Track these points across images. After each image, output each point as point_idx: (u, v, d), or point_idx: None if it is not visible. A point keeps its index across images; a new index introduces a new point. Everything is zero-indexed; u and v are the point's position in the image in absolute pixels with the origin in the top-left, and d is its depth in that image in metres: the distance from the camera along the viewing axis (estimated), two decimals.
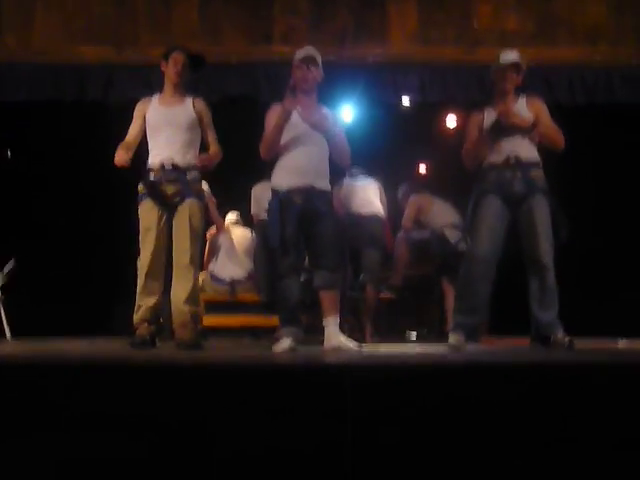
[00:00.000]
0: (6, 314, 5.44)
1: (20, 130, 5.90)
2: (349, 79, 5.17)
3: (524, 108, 3.89)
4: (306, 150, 3.79)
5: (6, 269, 5.51)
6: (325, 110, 3.95)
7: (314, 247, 3.81)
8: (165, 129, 3.92)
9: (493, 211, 3.73)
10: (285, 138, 3.80)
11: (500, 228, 3.73)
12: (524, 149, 3.80)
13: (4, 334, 5.36)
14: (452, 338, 3.72)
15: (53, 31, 5.18)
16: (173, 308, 3.87)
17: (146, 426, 2.09)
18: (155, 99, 4.04)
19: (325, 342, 3.74)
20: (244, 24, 5.16)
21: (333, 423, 2.02)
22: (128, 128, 4.06)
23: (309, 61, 3.84)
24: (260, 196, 5.21)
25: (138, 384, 2.19)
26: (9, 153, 4.55)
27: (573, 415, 2.10)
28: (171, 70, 3.99)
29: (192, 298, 3.84)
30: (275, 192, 3.82)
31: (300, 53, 3.88)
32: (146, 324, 3.84)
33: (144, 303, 3.85)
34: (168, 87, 4.03)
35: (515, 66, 3.87)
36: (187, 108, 3.98)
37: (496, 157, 3.80)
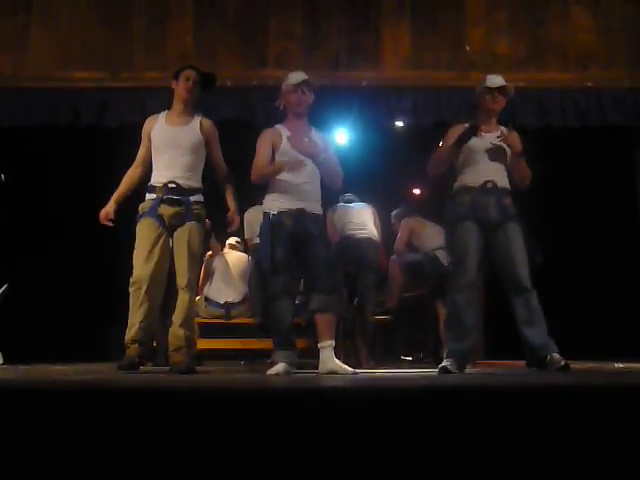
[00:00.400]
0: None
1: (15, 154, 5.90)
2: (343, 102, 5.20)
3: (503, 136, 3.88)
4: (296, 174, 3.78)
5: None
6: (316, 133, 3.95)
7: (308, 270, 3.79)
8: (168, 150, 3.88)
9: (472, 237, 3.72)
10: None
11: (479, 254, 3.74)
12: (500, 176, 3.82)
13: None
14: (445, 362, 3.70)
15: (47, 56, 5.20)
16: (170, 331, 3.83)
17: (136, 450, 2.05)
18: (162, 117, 3.98)
19: (320, 366, 3.70)
20: (239, 48, 5.20)
21: (326, 446, 2.00)
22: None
23: (304, 85, 3.85)
24: (252, 221, 5.21)
25: (129, 408, 2.17)
26: (3, 177, 4.53)
27: (571, 437, 2.08)
28: (182, 87, 3.93)
29: (187, 322, 3.81)
30: (266, 215, 3.82)
31: (294, 77, 3.87)
32: (136, 345, 3.77)
33: (136, 322, 3.77)
34: (177, 105, 3.97)
35: (501, 89, 3.88)
36: (193, 129, 3.93)
37: (472, 180, 3.80)
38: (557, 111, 5.23)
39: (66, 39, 5.21)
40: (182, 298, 3.81)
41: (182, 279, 3.81)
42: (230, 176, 4.04)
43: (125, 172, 4.03)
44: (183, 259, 3.81)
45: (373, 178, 6.31)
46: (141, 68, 5.16)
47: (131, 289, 3.80)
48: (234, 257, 5.93)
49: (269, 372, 3.63)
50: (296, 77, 3.87)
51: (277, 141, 3.82)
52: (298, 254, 3.77)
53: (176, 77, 3.96)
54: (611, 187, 5.98)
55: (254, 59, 5.21)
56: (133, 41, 5.20)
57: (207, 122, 3.98)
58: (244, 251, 5.96)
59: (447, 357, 3.72)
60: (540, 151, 4.66)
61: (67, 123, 5.19)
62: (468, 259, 3.69)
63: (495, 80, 3.89)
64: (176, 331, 3.79)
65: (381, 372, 4.15)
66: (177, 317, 3.80)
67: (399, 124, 5.62)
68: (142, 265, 3.78)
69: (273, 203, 3.80)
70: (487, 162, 3.80)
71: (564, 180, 6.17)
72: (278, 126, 3.91)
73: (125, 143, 4.11)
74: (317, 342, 3.77)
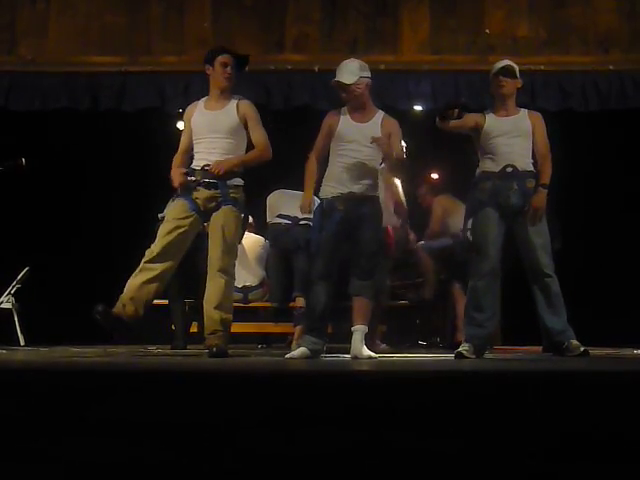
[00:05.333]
0: (20, 322, 5.47)
1: (36, 139, 5.94)
2: None
3: (525, 117, 3.86)
4: (350, 160, 3.77)
5: (20, 277, 5.54)
6: (379, 116, 3.90)
7: (352, 253, 3.80)
8: (207, 135, 3.84)
9: (492, 224, 3.71)
10: (333, 149, 3.83)
11: (500, 240, 3.74)
12: (521, 159, 3.77)
13: (18, 342, 5.39)
14: (462, 348, 3.70)
15: (66, 41, 5.23)
16: (205, 314, 3.80)
17: (159, 432, 2.08)
18: (201, 103, 3.94)
19: (351, 349, 3.73)
20: (256, 32, 5.19)
21: (343, 429, 2.01)
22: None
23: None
24: (273, 204, 5.22)
25: (151, 390, 2.20)
26: (24, 161, 4.57)
27: (588, 424, 2.07)
28: (220, 74, 3.84)
29: (222, 305, 3.74)
30: (320, 200, 3.86)
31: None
32: (129, 301, 3.68)
33: (135, 283, 3.69)
34: (214, 90, 3.89)
35: (507, 71, 3.80)
36: (230, 113, 3.85)
37: (493, 165, 3.77)
38: (578, 95, 5.18)
39: (84, 24, 5.24)
40: (217, 282, 3.74)
41: (216, 263, 3.74)
42: (265, 153, 3.90)
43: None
44: (218, 243, 3.75)
45: None
46: (159, 53, 5.18)
47: (144, 258, 3.77)
48: (250, 241, 5.94)
49: (287, 355, 3.71)
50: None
51: (335, 125, 3.81)
52: (350, 237, 3.77)
53: (210, 62, 3.86)
54: (633, 171, 5.91)
55: (272, 44, 5.20)
56: (151, 26, 5.21)
57: (244, 103, 3.89)
58: (258, 233, 5.96)
59: (465, 342, 3.72)
60: (561, 134, 4.62)
61: (85, 108, 5.22)
62: (489, 246, 3.69)
63: (498, 64, 3.84)
64: (212, 314, 3.74)
65: (395, 356, 4.16)
66: (212, 300, 3.74)
67: (417, 108, 5.58)
68: (160, 238, 3.75)
69: (326, 189, 3.81)
70: (507, 146, 3.76)
71: (585, 164, 6.10)
72: (342, 109, 3.88)
73: (145, 131, 4.11)
74: (351, 325, 3.80)
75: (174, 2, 5.25)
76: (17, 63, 5.24)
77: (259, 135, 3.86)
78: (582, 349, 3.60)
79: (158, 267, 3.70)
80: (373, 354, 3.72)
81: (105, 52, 5.20)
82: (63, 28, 5.23)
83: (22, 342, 5.39)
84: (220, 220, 3.76)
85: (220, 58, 3.83)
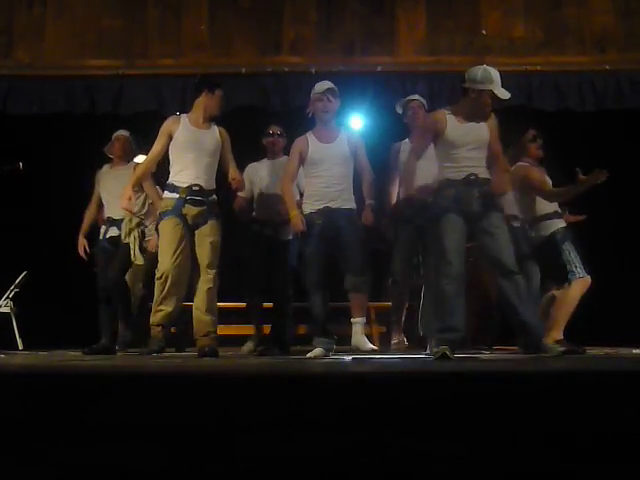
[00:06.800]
0: (18, 326, 5.47)
1: (32, 142, 5.94)
2: (358, 88, 5.19)
3: (481, 124, 3.83)
4: (327, 176, 4.16)
5: (18, 281, 5.54)
6: (347, 134, 4.30)
7: (341, 255, 4.14)
8: (193, 150, 4.15)
9: (457, 229, 3.75)
10: (307, 172, 4.23)
11: (464, 245, 3.80)
12: (480, 166, 3.83)
13: (17, 346, 5.39)
14: (442, 349, 3.63)
15: (63, 45, 5.23)
16: (195, 318, 4.13)
17: (157, 435, 2.08)
18: (185, 119, 4.24)
19: (352, 341, 4.16)
20: (253, 34, 5.20)
21: (344, 430, 2.02)
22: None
23: (329, 92, 4.16)
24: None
25: (149, 392, 2.19)
26: (21, 165, 4.58)
27: (586, 422, 2.08)
28: (216, 104, 4.25)
29: (211, 309, 4.12)
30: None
31: (319, 86, 4.18)
32: (161, 328, 4.10)
33: (164, 309, 4.08)
34: (202, 112, 4.23)
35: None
36: (214, 134, 4.24)
37: (455, 174, 3.80)
38: (574, 95, 5.18)
39: (81, 28, 5.24)
40: (206, 288, 4.10)
41: (205, 271, 4.12)
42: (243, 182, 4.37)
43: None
44: (206, 253, 4.11)
45: (388, 164, 6.27)
46: (156, 56, 5.18)
47: (157, 281, 4.10)
48: None
49: (308, 355, 3.97)
50: (321, 86, 4.18)
51: (305, 149, 4.20)
52: (332, 245, 4.12)
53: (210, 89, 4.24)
54: (629, 171, 5.91)
55: (269, 46, 5.21)
56: (148, 29, 5.21)
57: (224, 131, 4.30)
58: None
59: (440, 345, 3.67)
60: (557, 134, 4.63)
61: (83, 111, 5.22)
62: (452, 252, 3.71)
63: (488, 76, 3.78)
64: (203, 318, 4.10)
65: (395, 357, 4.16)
66: (202, 305, 4.10)
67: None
68: (168, 260, 4.07)
69: (306, 206, 4.20)
70: (467, 153, 3.79)
71: (580, 164, 6.10)
72: (308, 134, 4.24)
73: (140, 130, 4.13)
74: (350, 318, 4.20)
75: (171, 5, 5.25)
76: (14, 67, 5.24)
77: (235, 166, 4.27)
78: (561, 349, 3.72)
79: (176, 295, 4.10)
80: (373, 346, 4.15)
81: (102, 55, 5.20)
82: (60, 32, 5.23)
83: (20, 346, 5.40)
84: (208, 232, 4.14)
85: (217, 92, 4.27)
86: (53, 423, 2.13)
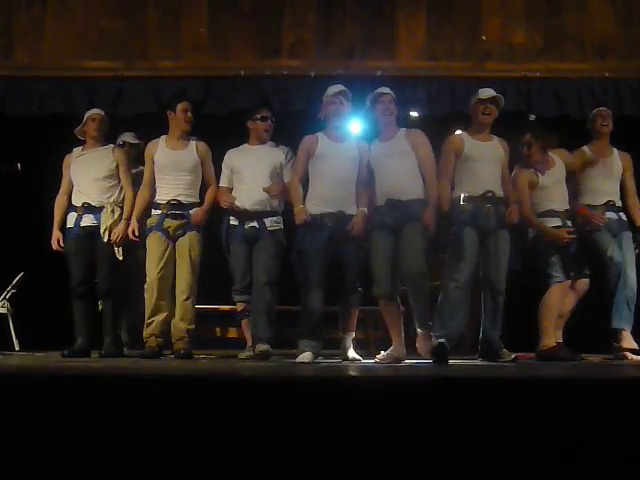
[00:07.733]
0: (15, 327, 5.45)
1: (31, 143, 5.92)
2: (357, 92, 5.16)
3: (497, 144, 4.22)
4: (333, 177, 4.16)
5: (15, 281, 5.53)
6: (355, 141, 4.32)
7: (340, 268, 4.18)
8: (170, 172, 4.41)
9: (472, 241, 4.07)
10: (314, 169, 4.21)
11: (476, 257, 4.11)
12: (497, 185, 4.15)
13: (13, 347, 5.37)
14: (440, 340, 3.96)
15: (63, 46, 5.22)
16: (172, 326, 4.42)
17: (156, 437, 2.07)
18: (162, 142, 4.49)
19: (341, 352, 4.25)
20: (253, 38, 5.19)
21: (339, 434, 2.01)
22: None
23: (342, 95, 4.20)
24: None
25: (144, 395, 2.18)
26: (19, 166, 4.57)
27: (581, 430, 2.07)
28: (182, 120, 4.44)
29: (187, 317, 4.39)
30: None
31: (332, 89, 4.24)
32: (154, 337, 4.39)
33: (155, 319, 4.38)
34: (176, 132, 4.47)
35: (493, 100, 4.20)
36: (191, 152, 4.45)
37: (473, 189, 4.11)
38: (574, 102, 5.18)
39: (81, 29, 5.23)
40: (181, 299, 4.38)
41: (183, 282, 4.39)
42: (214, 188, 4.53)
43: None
44: (185, 264, 4.38)
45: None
46: (156, 58, 5.17)
47: (146, 294, 4.41)
48: None
49: (297, 359, 3.98)
50: (333, 89, 4.24)
51: (314, 147, 4.21)
52: (334, 251, 4.14)
53: (171, 108, 4.46)
54: None
55: (268, 49, 5.21)
56: (148, 31, 5.20)
57: (202, 145, 4.50)
58: None
59: (438, 339, 3.96)
60: (558, 142, 4.63)
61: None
62: (465, 262, 4.04)
63: (487, 92, 4.21)
64: (178, 325, 4.40)
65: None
66: (178, 313, 4.39)
67: (414, 114, 5.58)
68: (154, 273, 4.37)
69: (312, 207, 4.18)
70: (485, 171, 4.13)
71: None
72: (319, 133, 4.28)
73: (138, 132, 4.13)
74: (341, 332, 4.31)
75: (171, 7, 5.24)
76: (13, 68, 5.23)
77: (212, 176, 4.51)
78: (513, 356, 4.11)
79: (164, 304, 4.41)
80: (359, 357, 4.19)
81: (102, 57, 5.19)
82: (59, 33, 5.22)
83: (17, 347, 5.38)
84: (186, 243, 4.40)
85: (180, 105, 4.44)
86: (49, 424, 2.12)
